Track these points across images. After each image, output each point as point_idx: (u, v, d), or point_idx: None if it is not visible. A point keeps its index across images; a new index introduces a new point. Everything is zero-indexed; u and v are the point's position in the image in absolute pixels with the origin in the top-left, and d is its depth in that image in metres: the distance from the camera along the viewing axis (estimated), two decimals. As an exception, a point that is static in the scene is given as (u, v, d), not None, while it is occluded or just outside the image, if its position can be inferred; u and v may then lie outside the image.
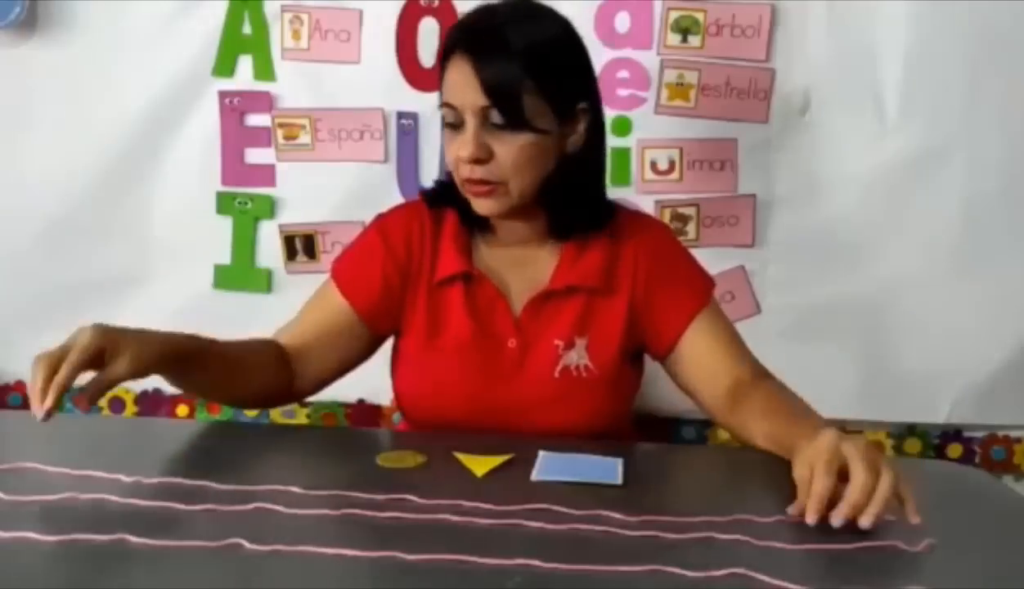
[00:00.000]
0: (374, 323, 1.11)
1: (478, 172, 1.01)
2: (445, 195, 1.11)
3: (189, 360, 0.96)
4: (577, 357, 1.06)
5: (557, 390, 1.06)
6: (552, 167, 1.04)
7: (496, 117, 0.99)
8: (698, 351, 1.07)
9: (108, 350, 0.88)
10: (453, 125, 1.02)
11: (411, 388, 1.11)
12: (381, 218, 1.15)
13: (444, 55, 1.04)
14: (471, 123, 1.00)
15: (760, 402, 1.01)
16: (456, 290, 1.09)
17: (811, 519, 0.75)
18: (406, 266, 1.11)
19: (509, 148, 1.00)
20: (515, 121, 0.99)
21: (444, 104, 1.02)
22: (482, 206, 1.04)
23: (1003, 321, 1.50)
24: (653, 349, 1.11)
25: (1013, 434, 1.56)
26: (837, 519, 0.74)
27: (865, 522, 0.74)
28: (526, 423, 1.04)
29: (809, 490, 0.77)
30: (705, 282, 1.12)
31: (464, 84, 0.99)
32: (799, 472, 0.81)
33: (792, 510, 0.79)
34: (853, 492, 0.75)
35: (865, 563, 0.72)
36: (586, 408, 1.06)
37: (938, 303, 1.50)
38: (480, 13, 1.04)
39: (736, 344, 1.09)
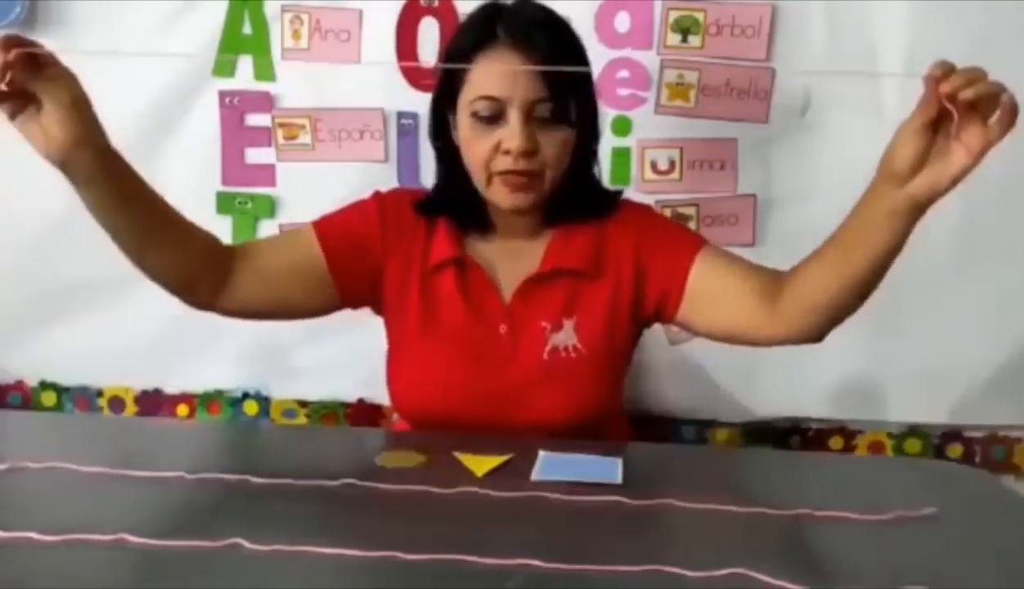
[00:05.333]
0: (339, 281, 1.09)
1: (522, 164, 1.02)
2: (436, 207, 1.12)
3: (125, 171, 0.94)
4: (565, 338, 1.07)
5: (547, 370, 1.06)
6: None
7: (544, 110, 1.02)
8: (710, 281, 1.06)
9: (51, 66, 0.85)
10: (488, 118, 1.02)
11: (406, 376, 1.10)
12: (382, 193, 1.16)
13: (474, 45, 1.03)
14: (517, 115, 1.01)
15: (792, 275, 1.00)
16: (448, 278, 1.09)
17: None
18: (395, 243, 1.11)
19: (552, 141, 1.03)
20: (563, 115, 1.02)
21: (483, 97, 1.02)
22: (517, 200, 1.04)
23: (1003, 321, 1.50)
24: (667, 310, 1.09)
25: (1013, 434, 1.55)
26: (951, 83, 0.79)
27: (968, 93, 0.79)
28: (519, 406, 1.05)
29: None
30: (695, 234, 1.13)
31: (516, 76, 1.00)
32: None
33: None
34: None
35: (865, 563, 0.72)
36: (575, 389, 1.06)
37: (938, 303, 1.50)
38: (511, 8, 1.06)
39: (745, 263, 1.08)
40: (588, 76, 1.07)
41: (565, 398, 1.06)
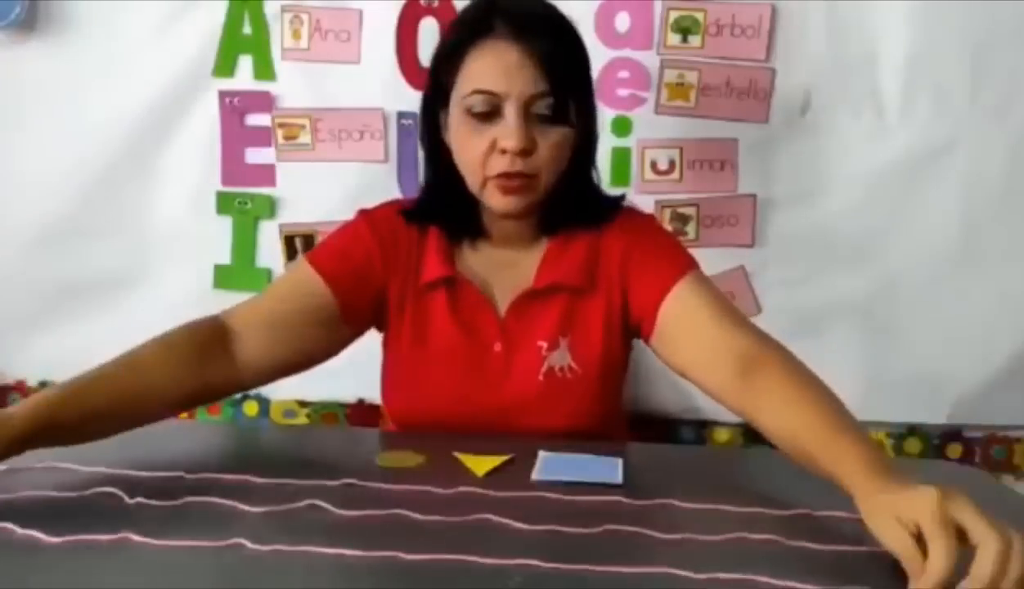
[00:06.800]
0: (349, 314, 1.04)
1: (519, 164, 0.97)
2: (425, 213, 1.08)
3: (69, 421, 0.83)
4: (560, 358, 1.04)
5: (543, 392, 1.04)
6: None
7: (544, 107, 0.96)
8: (682, 321, 0.99)
9: None
10: (483, 114, 0.96)
11: (400, 395, 1.09)
12: (368, 212, 1.10)
13: (468, 38, 0.98)
14: (514, 112, 0.95)
15: (777, 389, 0.88)
16: (440, 295, 1.06)
17: None
18: (393, 260, 1.07)
19: (549, 141, 0.98)
20: (563, 112, 0.97)
21: (477, 91, 0.96)
22: (510, 203, 0.99)
23: (1003, 321, 1.50)
24: (643, 331, 1.05)
25: (1013, 434, 1.55)
26: None
27: None
28: (514, 426, 1.03)
29: (921, 564, 0.65)
30: (684, 256, 1.05)
31: (514, 70, 0.95)
32: (893, 535, 0.68)
33: None
34: (984, 564, 0.63)
35: (865, 563, 0.72)
36: (572, 409, 1.04)
37: (938, 303, 1.50)
38: (509, 0, 0.99)
39: (729, 312, 0.99)
40: (589, 74, 1.04)
41: (562, 418, 1.04)
